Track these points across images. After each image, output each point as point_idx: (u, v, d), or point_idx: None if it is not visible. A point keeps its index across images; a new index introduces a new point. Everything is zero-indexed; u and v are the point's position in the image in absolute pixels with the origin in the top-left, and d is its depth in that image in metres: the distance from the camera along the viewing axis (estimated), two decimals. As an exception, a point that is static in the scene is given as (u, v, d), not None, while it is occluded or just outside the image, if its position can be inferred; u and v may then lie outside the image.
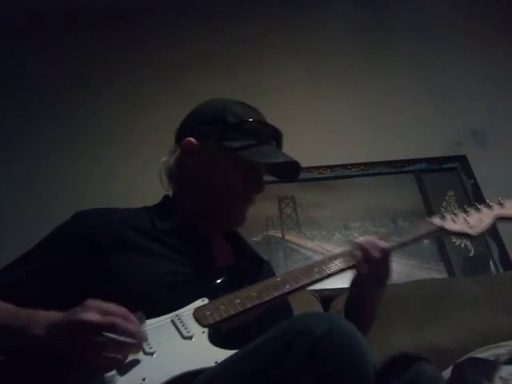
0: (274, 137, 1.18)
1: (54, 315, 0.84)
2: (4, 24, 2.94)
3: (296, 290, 0.96)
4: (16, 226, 2.30)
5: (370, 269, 1.00)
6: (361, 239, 1.04)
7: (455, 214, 1.17)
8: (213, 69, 2.79)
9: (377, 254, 1.01)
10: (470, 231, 1.14)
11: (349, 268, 1.04)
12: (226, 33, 2.95)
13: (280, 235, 2.34)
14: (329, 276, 1.00)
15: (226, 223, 1.18)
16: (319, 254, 2.25)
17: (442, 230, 1.14)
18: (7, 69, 2.84)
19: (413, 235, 1.11)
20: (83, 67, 2.87)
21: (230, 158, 1.11)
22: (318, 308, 1.77)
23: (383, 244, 1.03)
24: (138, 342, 0.81)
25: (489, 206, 1.19)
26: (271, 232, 2.33)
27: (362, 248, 1.02)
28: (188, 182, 1.15)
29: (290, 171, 1.19)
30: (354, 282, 1.09)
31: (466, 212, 1.18)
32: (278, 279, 0.98)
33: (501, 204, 1.19)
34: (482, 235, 1.14)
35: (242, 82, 2.62)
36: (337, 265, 1.02)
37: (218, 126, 1.13)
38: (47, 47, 2.92)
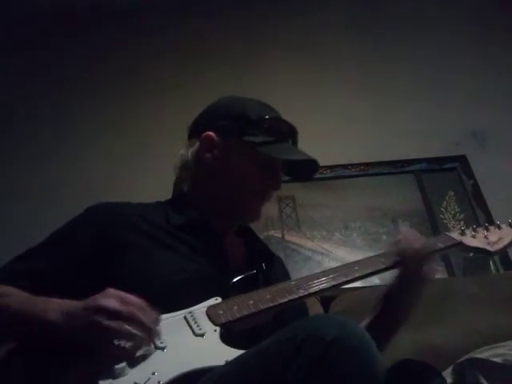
0: (291, 135, 1.19)
1: (68, 302, 0.85)
2: (4, 24, 2.94)
3: (310, 295, 0.96)
4: (17, 226, 2.29)
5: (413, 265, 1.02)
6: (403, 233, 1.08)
7: (476, 230, 1.18)
8: (212, 69, 2.79)
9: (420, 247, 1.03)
10: (488, 248, 1.14)
11: (367, 276, 1.04)
12: (226, 33, 2.94)
13: (280, 235, 2.34)
14: (346, 283, 1.01)
15: (241, 218, 1.18)
16: (319, 254, 2.25)
17: (460, 244, 1.15)
18: (7, 69, 2.84)
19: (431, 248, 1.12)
20: (83, 67, 2.87)
21: (250, 154, 1.12)
22: (318, 308, 1.77)
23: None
24: (151, 336, 0.82)
25: (510, 225, 1.20)
26: (271, 232, 2.33)
27: (407, 240, 1.04)
28: (205, 176, 1.15)
29: (307, 170, 1.20)
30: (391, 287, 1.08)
31: (487, 229, 1.20)
32: (293, 283, 0.98)
33: None
34: (499, 252, 1.16)
35: (242, 83, 2.62)
36: (354, 273, 1.02)
37: (238, 121, 1.14)
38: (47, 47, 2.92)
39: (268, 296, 0.93)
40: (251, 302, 0.91)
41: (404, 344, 1.56)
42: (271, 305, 0.91)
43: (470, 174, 2.46)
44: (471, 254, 1.23)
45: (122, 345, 0.78)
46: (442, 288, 1.79)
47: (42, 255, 1.01)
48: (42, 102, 2.75)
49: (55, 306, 0.85)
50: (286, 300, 0.93)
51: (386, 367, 0.86)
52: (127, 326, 0.79)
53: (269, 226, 2.34)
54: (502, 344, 1.41)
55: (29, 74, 2.84)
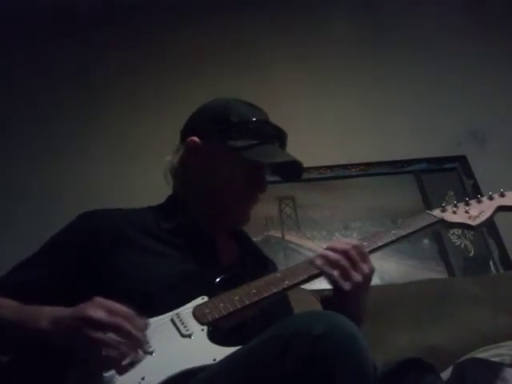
0: (278, 136, 1.18)
1: (59, 309, 0.85)
2: (4, 24, 2.94)
3: (295, 285, 0.96)
4: (17, 228, 2.29)
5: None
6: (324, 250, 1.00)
7: (456, 206, 1.18)
8: (213, 69, 2.79)
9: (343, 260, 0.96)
10: (469, 222, 1.13)
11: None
12: (227, 34, 2.94)
13: (280, 235, 2.34)
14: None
15: (229, 222, 1.18)
16: (319, 254, 2.25)
17: (442, 221, 1.14)
18: (8, 69, 2.84)
19: (412, 228, 1.11)
20: (83, 67, 2.87)
21: (233, 158, 1.11)
22: (318, 308, 1.77)
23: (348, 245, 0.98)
24: (138, 345, 0.82)
25: (490, 198, 1.19)
26: (271, 232, 2.33)
27: (326, 259, 0.97)
28: (192, 182, 1.16)
29: (292, 171, 1.19)
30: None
31: (467, 204, 1.19)
32: (278, 275, 0.98)
33: (503, 195, 1.20)
34: (482, 226, 1.14)
35: (242, 83, 2.63)
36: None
37: (221, 125, 1.13)
38: (47, 47, 2.92)
39: (253, 291, 0.93)
40: (237, 298, 0.92)
41: (404, 344, 1.56)
42: (256, 299, 0.92)
43: (470, 174, 2.46)
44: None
45: (109, 354, 0.78)
46: (442, 288, 1.79)
47: (33, 266, 1.02)
48: (41, 102, 2.75)
49: (45, 313, 0.85)
50: (270, 293, 0.93)
51: (386, 368, 0.86)
52: (113, 337, 0.79)
53: (269, 226, 2.34)
54: (502, 344, 1.41)
55: (29, 74, 2.84)
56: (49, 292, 0.96)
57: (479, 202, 1.19)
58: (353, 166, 2.53)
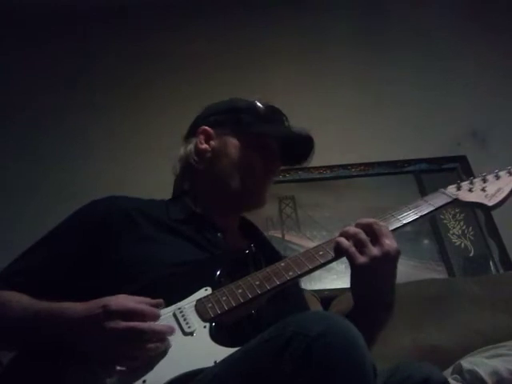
0: (283, 118, 1.25)
1: (76, 314, 0.83)
2: (4, 24, 2.93)
3: (300, 276, 0.94)
4: (17, 228, 2.29)
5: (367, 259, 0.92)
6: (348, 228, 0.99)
7: (472, 183, 1.10)
8: (213, 70, 2.79)
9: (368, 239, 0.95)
10: (485, 202, 1.05)
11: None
12: (228, 35, 2.94)
13: (280, 235, 2.34)
14: (335, 259, 0.97)
15: (245, 203, 1.19)
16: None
17: (456, 201, 1.07)
18: (8, 69, 2.83)
19: (425, 210, 1.05)
20: (83, 67, 2.87)
21: (245, 139, 1.17)
22: (318, 308, 1.77)
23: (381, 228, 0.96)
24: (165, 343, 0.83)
25: (510, 173, 1.11)
26: (271, 232, 2.33)
27: (349, 235, 0.97)
28: (207, 168, 1.18)
29: (303, 150, 1.26)
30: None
31: (484, 180, 1.11)
32: (282, 264, 0.95)
33: None
34: (499, 205, 1.05)
35: (243, 84, 2.62)
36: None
37: (229, 112, 1.21)
38: (47, 47, 2.92)
39: (257, 283, 0.91)
40: (240, 291, 0.90)
41: (404, 344, 1.56)
42: (259, 292, 0.90)
43: (470, 174, 2.45)
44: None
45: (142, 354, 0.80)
46: (442, 288, 1.79)
47: (42, 250, 1.02)
48: (43, 102, 2.74)
49: (64, 321, 0.83)
50: (274, 285, 0.91)
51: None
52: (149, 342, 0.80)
53: (269, 226, 2.33)
54: (502, 344, 1.41)
55: (29, 73, 2.83)
56: (57, 278, 0.96)
57: (497, 177, 1.10)
58: (353, 166, 2.53)
